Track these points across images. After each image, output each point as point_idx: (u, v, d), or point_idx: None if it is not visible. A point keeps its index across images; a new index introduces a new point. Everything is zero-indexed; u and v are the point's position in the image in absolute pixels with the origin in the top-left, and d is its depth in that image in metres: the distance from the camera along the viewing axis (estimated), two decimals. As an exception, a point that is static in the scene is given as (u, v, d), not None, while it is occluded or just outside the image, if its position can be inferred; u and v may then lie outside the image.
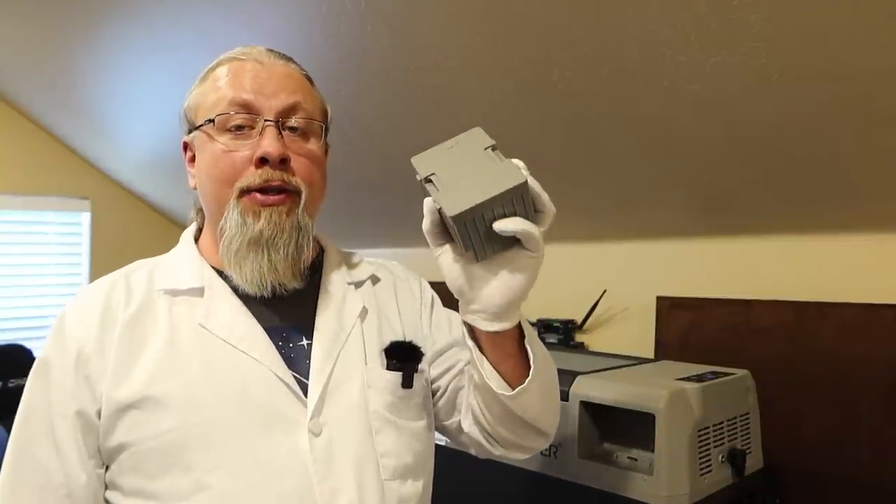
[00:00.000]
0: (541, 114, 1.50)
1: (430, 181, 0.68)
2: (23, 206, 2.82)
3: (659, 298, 1.63)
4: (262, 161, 0.80)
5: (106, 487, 0.78)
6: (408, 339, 0.90)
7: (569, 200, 1.68)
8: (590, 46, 1.28)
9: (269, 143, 0.80)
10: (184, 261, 0.86)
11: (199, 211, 0.92)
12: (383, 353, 0.86)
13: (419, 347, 0.90)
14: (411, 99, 1.64)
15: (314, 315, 0.86)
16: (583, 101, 1.41)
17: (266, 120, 0.81)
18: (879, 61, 1.06)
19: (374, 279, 0.95)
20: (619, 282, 1.73)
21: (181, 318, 0.81)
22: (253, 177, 0.80)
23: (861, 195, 1.30)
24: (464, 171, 0.68)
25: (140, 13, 1.80)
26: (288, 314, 0.85)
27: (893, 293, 1.31)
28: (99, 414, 0.76)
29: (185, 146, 0.89)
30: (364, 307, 0.89)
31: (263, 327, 0.82)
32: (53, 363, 0.79)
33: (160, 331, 0.79)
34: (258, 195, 0.81)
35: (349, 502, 0.75)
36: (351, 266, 0.94)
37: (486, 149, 0.69)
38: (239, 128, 0.82)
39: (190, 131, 0.87)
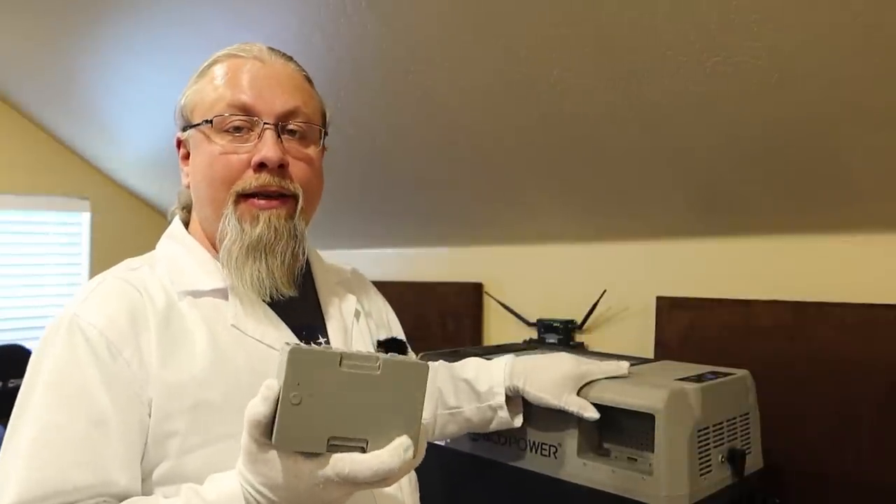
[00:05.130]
0: (540, 114, 1.50)
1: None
2: (23, 206, 2.82)
3: (659, 298, 1.63)
4: (261, 166, 0.79)
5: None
6: (392, 336, 0.97)
7: (569, 200, 1.69)
8: (589, 47, 1.28)
9: (268, 149, 0.79)
10: (197, 260, 0.84)
11: (184, 207, 0.90)
12: (377, 346, 0.92)
13: (405, 342, 0.98)
14: (411, 99, 1.64)
15: (320, 314, 0.88)
16: (582, 102, 1.41)
17: (265, 123, 0.80)
18: (879, 62, 1.06)
19: (349, 279, 0.99)
20: (619, 282, 1.73)
21: (212, 320, 0.78)
22: (250, 181, 0.79)
23: (861, 195, 1.30)
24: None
25: (140, 13, 1.80)
26: (299, 314, 0.86)
27: (893, 293, 1.31)
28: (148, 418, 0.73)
29: (179, 143, 0.87)
30: (357, 306, 0.93)
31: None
32: (83, 362, 0.71)
33: (198, 333, 0.76)
34: (256, 200, 0.80)
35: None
36: (329, 266, 0.98)
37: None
38: (237, 129, 0.80)
39: (185, 129, 0.85)
